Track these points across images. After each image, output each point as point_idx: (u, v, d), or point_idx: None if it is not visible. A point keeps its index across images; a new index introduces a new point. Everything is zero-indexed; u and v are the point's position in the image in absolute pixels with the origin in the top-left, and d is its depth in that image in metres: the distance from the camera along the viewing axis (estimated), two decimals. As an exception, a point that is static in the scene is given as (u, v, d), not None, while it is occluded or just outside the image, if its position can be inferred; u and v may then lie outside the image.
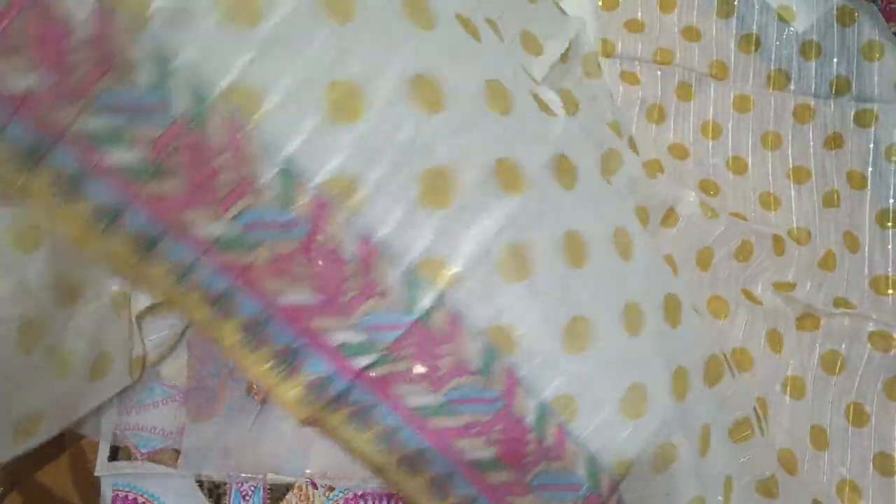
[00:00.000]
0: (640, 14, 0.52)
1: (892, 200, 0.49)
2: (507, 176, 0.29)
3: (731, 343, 0.45)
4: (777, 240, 0.48)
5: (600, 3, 0.52)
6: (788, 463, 0.43)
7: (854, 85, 0.51)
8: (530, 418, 0.30)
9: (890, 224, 0.48)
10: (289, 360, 0.27)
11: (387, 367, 0.28)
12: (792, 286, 0.47)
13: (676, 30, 0.52)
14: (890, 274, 0.47)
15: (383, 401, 0.29)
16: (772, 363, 0.45)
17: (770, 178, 0.51)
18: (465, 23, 0.31)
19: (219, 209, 0.25)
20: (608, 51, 0.51)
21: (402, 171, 0.27)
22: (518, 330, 0.29)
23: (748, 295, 0.47)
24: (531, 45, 0.40)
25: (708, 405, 0.36)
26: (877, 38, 0.51)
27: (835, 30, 0.52)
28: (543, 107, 0.33)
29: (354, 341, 0.27)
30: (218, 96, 0.24)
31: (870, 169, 0.50)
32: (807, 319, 0.47)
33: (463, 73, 0.29)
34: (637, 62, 0.52)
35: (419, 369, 0.28)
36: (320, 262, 0.26)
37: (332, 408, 0.28)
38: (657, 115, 0.51)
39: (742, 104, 0.52)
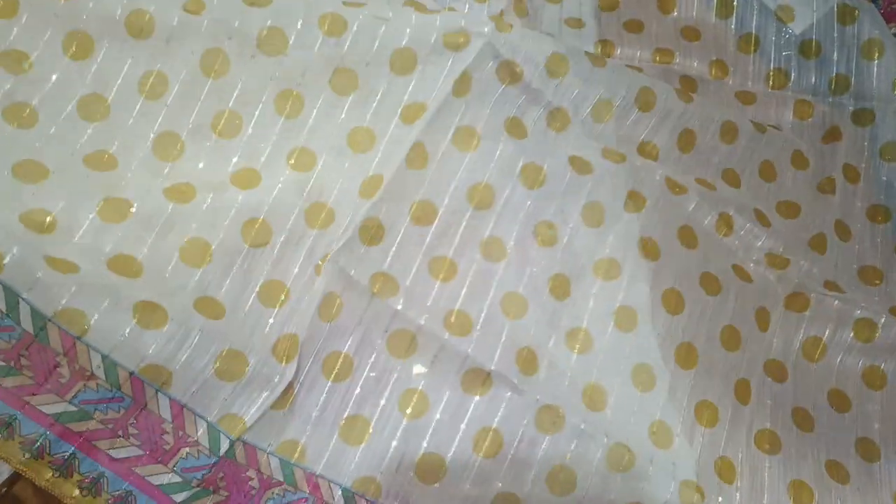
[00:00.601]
0: (639, 14, 0.53)
1: (883, 197, 0.49)
2: (287, 351, 0.38)
3: (723, 321, 0.44)
4: (758, 213, 0.48)
5: (600, 4, 0.53)
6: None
7: (853, 83, 0.51)
8: None
9: (881, 219, 0.49)
10: (123, 501, 0.35)
11: (203, 498, 0.36)
12: (786, 262, 0.47)
13: (676, 30, 0.53)
14: (879, 266, 0.48)
15: None
16: (758, 341, 0.45)
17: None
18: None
19: (59, 392, 0.34)
20: (608, 51, 0.52)
21: (200, 358, 0.36)
22: (301, 441, 0.38)
23: (739, 272, 0.46)
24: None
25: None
26: (877, 36, 0.51)
27: (835, 28, 0.52)
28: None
29: (173, 482, 0.35)
30: (51, 320, 0.34)
31: (863, 165, 0.50)
32: (797, 298, 0.46)
33: (234, 285, 0.39)
34: (637, 62, 0.52)
35: (229, 493, 0.37)
36: (143, 424, 0.35)
37: None
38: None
39: (743, 100, 0.53)
